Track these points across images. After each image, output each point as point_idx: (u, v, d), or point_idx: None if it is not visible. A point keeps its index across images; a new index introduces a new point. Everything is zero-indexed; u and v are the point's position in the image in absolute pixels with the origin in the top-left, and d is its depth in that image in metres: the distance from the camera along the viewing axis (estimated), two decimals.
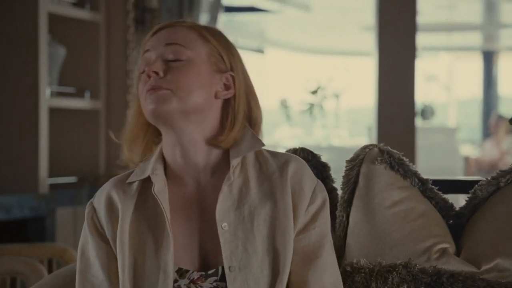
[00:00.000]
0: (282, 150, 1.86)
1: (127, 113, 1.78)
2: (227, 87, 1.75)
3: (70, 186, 4.39)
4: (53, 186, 4.26)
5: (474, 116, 14.41)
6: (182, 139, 1.73)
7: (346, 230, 1.95)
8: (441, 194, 1.97)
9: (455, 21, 11.43)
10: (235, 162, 1.72)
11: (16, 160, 4.11)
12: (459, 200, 2.06)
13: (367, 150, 1.97)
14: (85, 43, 4.51)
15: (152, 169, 1.74)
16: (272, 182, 1.73)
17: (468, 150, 12.35)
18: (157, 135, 1.78)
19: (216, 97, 1.73)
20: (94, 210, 1.78)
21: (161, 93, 1.69)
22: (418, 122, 5.58)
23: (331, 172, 2.04)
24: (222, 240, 1.69)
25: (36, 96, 4.10)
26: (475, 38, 13.73)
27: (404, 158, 1.96)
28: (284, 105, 10.30)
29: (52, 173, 4.28)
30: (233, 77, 1.75)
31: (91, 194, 4.42)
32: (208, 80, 1.72)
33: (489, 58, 14.03)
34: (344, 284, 1.85)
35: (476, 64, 14.32)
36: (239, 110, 1.75)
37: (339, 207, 1.98)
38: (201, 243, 1.73)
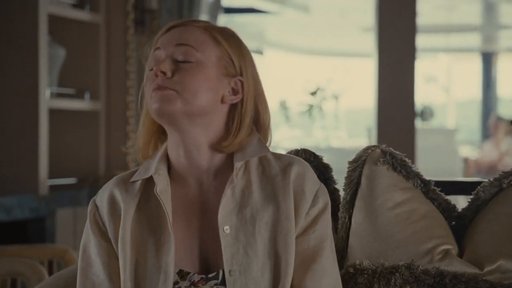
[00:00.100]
0: (282, 151, 1.86)
1: (142, 108, 1.77)
2: (234, 92, 1.73)
3: (70, 187, 4.39)
4: (53, 187, 4.26)
5: (473, 117, 14.42)
6: (186, 140, 1.72)
7: (349, 232, 1.95)
8: (444, 196, 1.97)
9: (454, 22, 11.43)
10: (238, 165, 1.72)
11: (16, 161, 4.11)
12: (459, 202, 2.05)
13: (370, 151, 1.96)
14: (85, 44, 4.51)
15: (155, 168, 1.74)
16: (275, 185, 1.72)
17: (467, 151, 12.36)
18: (164, 132, 1.77)
19: (222, 101, 1.72)
20: (96, 208, 1.77)
21: (166, 93, 1.68)
22: (417, 123, 5.58)
23: (332, 173, 2.03)
24: (223, 243, 1.69)
25: (36, 97, 4.10)
26: (474, 39, 13.74)
27: (407, 159, 1.96)
28: (283, 106, 10.30)
29: (52, 174, 4.28)
30: (241, 82, 1.74)
31: (91, 195, 4.43)
32: (216, 84, 1.71)
33: (488, 59, 14.04)
34: (346, 286, 1.85)
35: (475, 65, 14.33)
36: (245, 115, 1.74)
37: (341, 208, 1.97)
38: (202, 245, 1.73)
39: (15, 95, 4.11)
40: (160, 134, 1.78)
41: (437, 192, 1.96)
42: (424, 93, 11.60)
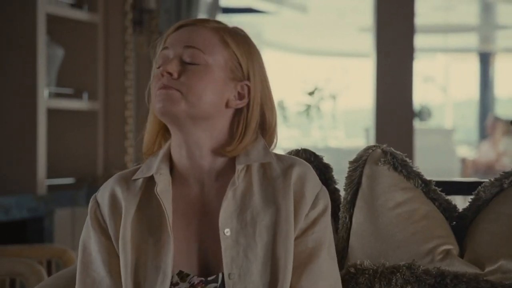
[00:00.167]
0: (281, 152, 1.85)
1: (149, 108, 1.77)
2: (240, 96, 1.72)
3: (68, 187, 4.39)
4: (51, 187, 4.26)
5: (471, 117, 14.43)
6: (188, 141, 1.72)
7: (349, 231, 1.95)
8: (444, 196, 1.97)
9: (452, 22, 11.44)
10: (240, 167, 1.71)
11: (15, 161, 4.10)
12: (457, 202, 2.05)
13: (370, 151, 1.96)
14: (83, 44, 4.51)
15: (157, 168, 1.73)
16: (275, 187, 1.72)
17: (465, 151, 12.37)
18: (169, 130, 1.76)
19: (227, 105, 1.71)
20: (97, 204, 1.77)
21: (171, 93, 1.68)
22: (415, 123, 5.59)
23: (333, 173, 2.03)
24: (223, 246, 1.68)
25: (34, 97, 4.09)
26: (471, 40, 13.76)
27: (407, 159, 1.95)
28: (281, 106, 10.30)
29: (50, 174, 4.28)
30: (248, 87, 1.72)
31: (89, 195, 4.41)
32: (222, 88, 1.70)
33: (485, 60, 14.05)
34: (347, 286, 1.85)
35: (473, 65, 14.35)
36: (251, 121, 1.72)
37: (342, 208, 1.97)
38: (202, 247, 1.72)
39: (14, 95, 4.10)
40: (165, 132, 1.77)
41: (437, 192, 1.96)
42: (422, 93, 11.62)
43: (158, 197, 1.71)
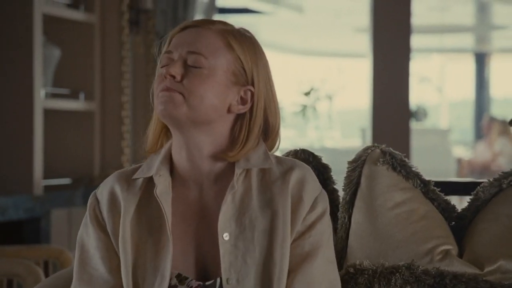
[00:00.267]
0: (278, 152, 1.84)
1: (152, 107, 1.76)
2: (243, 102, 1.71)
3: (65, 188, 4.38)
4: (47, 188, 4.25)
5: (466, 118, 14.45)
6: (189, 143, 1.71)
7: (348, 232, 1.94)
8: (443, 196, 1.97)
9: (447, 23, 11.45)
10: (239, 171, 1.70)
11: (11, 162, 4.10)
12: (453, 203, 2.05)
13: (369, 151, 1.96)
14: (79, 44, 4.50)
15: (156, 169, 1.73)
16: (274, 191, 1.71)
17: (461, 151, 12.38)
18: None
19: (229, 110, 1.70)
20: (97, 201, 1.76)
21: (173, 95, 1.67)
22: (411, 123, 5.58)
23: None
24: (221, 250, 1.68)
25: (30, 97, 4.09)
26: (467, 40, 13.77)
27: (406, 160, 1.95)
28: None
29: (46, 175, 4.27)
30: (251, 92, 1.71)
31: (86, 196, 4.42)
32: (224, 92, 1.69)
33: (481, 60, 14.07)
34: (347, 286, 1.84)
35: (468, 65, 14.36)
36: (253, 127, 1.71)
37: (341, 209, 1.97)
38: (200, 249, 1.71)
39: (10, 95, 4.10)
40: (167, 130, 1.76)
41: (436, 192, 1.95)
42: (417, 93, 11.63)
43: (157, 199, 1.71)
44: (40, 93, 4.14)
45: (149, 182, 1.74)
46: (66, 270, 2.01)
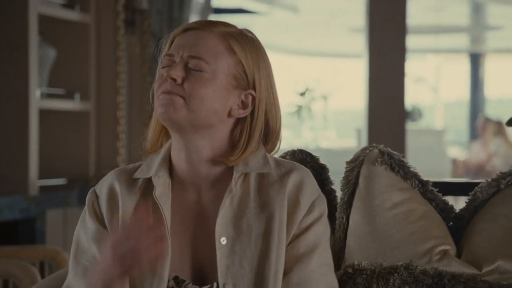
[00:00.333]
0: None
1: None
2: (244, 105, 1.70)
3: (60, 188, 4.37)
4: (43, 188, 4.24)
5: (461, 118, 14.46)
6: (188, 146, 1.70)
7: (346, 232, 1.94)
8: (441, 196, 1.97)
9: (443, 23, 11.46)
10: (237, 175, 1.70)
11: (6, 162, 4.09)
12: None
13: (367, 151, 1.96)
14: (75, 44, 4.49)
15: (156, 170, 1.72)
16: (271, 194, 1.70)
17: (456, 152, 12.40)
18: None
19: (229, 114, 1.69)
20: (96, 197, 1.75)
21: (174, 98, 1.66)
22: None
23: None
24: (218, 255, 1.67)
25: (26, 97, 4.08)
26: (462, 40, 13.79)
27: (404, 160, 1.95)
28: None
29: (42, 175, 4.26)
30: (252, 96, 1.70)
31: (81, 196, 4.41)
32: (225, 96, 1.68)
33: (476, 60, 14.09)
34: (345, 286, 1.84)
35: (463, 66, 14.38)
36: (254, 131, 1.70)
37: (339, 209, 1.97)
38: (196, 252, 1.71)
39: (5, 95, 4.09)
40: (167, 131, 1.76)
41: (434, 192, 1.95)
42: (412, 93, 11.63)
43: (156, 201, 1.70)
44: (36, 93, 4.13)
45: (149, 182, 1.73)
46: (62, 271, 2.01)
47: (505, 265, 1.83)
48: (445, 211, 1.95)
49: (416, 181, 1.93)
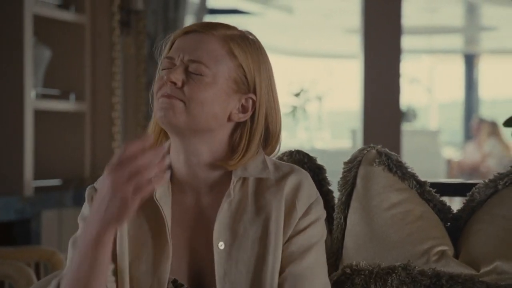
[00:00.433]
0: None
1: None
2: (244, 110, 1.69)
3: (55, 189, 4.36)
4: (38, 189, 4.23)
5: (456, 119, 14.48)
6: (187, 149, 1.69)
7: (344, 232, 1.94)
8: (439, 197, 1.97)
9: (437, 24, 11.48)
10: (236, 179, 1.69)
11: (1, 163, 4.08)
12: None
13: (365, 152, 1.96)
14: (70, 45, 4.49)
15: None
16: (268, 197, 1.69)
17: (450, 152, 12.41)
18: None
19: (229, 119, 1.68)
20: (95, 191, 1.73)
21: (174, 102, 1.65)
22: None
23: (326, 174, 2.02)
24: (216, 259, 1.67)
25: (21, 98, 4.07)
26: (456, 41, 13.81)
27: (402, 160, 1.95)
28: None
29: (37, 176, 4.25)
30: (253, 100, 1.69)
31: (76, 197, 4.40)
32: (225, 100, 1.67)
33: (470, 61, 14.12)
34: (343, 286, 1.84)
35: (458, 66, 14.40)
36: (254, 135, 1.69)
37: (337, 209, 1.97)
38: (194, 255, 1.70)
39: (0, 96, 4.08)
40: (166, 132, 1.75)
41: (432, 193, 1.95)
42: (407, 94, 11.65)
43: (157, 203, 1.69)
44: (31, 93, 4.13)
45: None
46: (58, 272, 2.00)
47: (503, 265, 1.83)
48: (442, 211, 1.95)
49: (414, 182, 1.94)
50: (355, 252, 1.90)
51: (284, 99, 10.33)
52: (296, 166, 1.74)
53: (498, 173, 1.93)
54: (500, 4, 10.15)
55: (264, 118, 1.70)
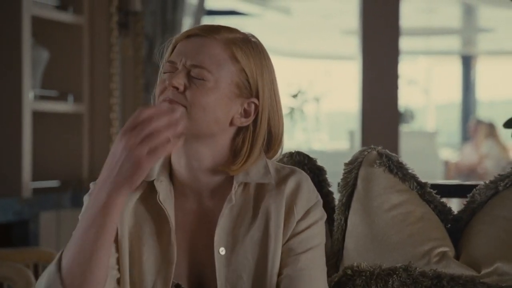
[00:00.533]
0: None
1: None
2: (246, 114, 1.67)
3: (53, 190, 4.36)
4: (36, 190, 4.23)
5: (453, 120, 14.49)
6: (189, 153, 1.68)
7: (344, 234, 1.94)
8: (439, 198, 1.97)
9: (434, 25, 11.48)
10: (237, 184, 1.68)
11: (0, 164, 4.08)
12: None
13: (366, 153, 1.96)
14: (68, 46, 4.48)
15: (157, 174, 1.70)
16: (269, 202, 1.69)
17: (448, 154, 12.41)
18: None
19: (231, 123, 1.67)
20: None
21: (175, 107, 1.63)
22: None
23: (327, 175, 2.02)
24: (217, 265, 1.66)
25: (19, 99, 4.07)
26: (454, 42, 13.81)
27: (403, 162, 1.95)
28: None
29: (35, 177, 4.25)
30: (255, 105, 1.67)
31: (74, 198, 4.39)
32: (227, 105, 1.65)
33: (467, 62, 14.12)
34: (344, 287, 1.84)
35: (455, 68, 14.40)
36: (257, 139, 1.68)
37: (337, 210, 1.97)
38: (194, 259, 1.70)
39: None
40: None
41: (433, 194, 1.96)
42: (404, 95, 11.65)
43: (161, 205, 1.68)
44: (29, 95, 4.12)
45: (149, 186, 1.71)
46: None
47: (503, 267, 1.83)
48: (443, 213, 1.95)
49: (415, 183, 1.94)
50: (356, 253, 1.90)
51: (282, 100, 10.33)
52: (296, 169, 1.73)
53: (499, 175, 1.94)
54: (497, 6, 10.16)
55: (267, 122, 1.69)
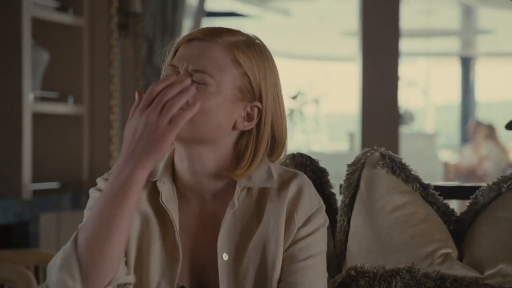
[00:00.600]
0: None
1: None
2: (249, 118, 1.65)
3: (53, 192, 4.36)
4: (36, 192, 4.23)
5: (452, 122, 14.49)
6: (191, 157, 1.66)
7: (347, 235, 1.94)
8: (442, 199, 1.96)
9: (433, 27, 11.48)
10: (240, 189, 1.66)
11: (0, 166, 4.07)
12: None
13: (369, 154, 1.96)
14: (68, 48, 4.48)
15: (160, 175, 1.69)
16: (271, 207, 1.67)
17: (447, 155, 12.41)
18: None
19: (234, 127, 1.65)
20: (106, 180, 1.70)
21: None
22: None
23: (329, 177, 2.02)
24: (220, 270, 1.65)
25: (19, 101, 4.06)
26: (453, 44, 13.82)
27: (406, 163, 1.95)
28: None
29: (35, 179, 4.24)
30: (258, 108, 1.65)
31: (74, 200, 4.38)
32: (230, 109, 1.63)
33: (466, 64, 14.12)
34: None
35: (454, 69, 14.41)
36: (261, 143, 1.66)
37: (340, 212, 1.96)
38: (195, 262, 1.69)
39: None
40: None
41: (436, 196, 1.95)
42: (404, 97, 11.66)
43: (164, 207, 1.67)
44: (29, 96, 4.12)
45: (152, 187, 1.70)
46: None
47: (507, 268, 1.83)
48: (446, 214, 1.95)
49: (417, 184, 1.93)
50: (359, 254, 1.90)
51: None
52: (299, 173, 1.71)
53: (502, 176, 1.94)
54: (496, 7, 10.17)
55: (270, 126, 1.67)
